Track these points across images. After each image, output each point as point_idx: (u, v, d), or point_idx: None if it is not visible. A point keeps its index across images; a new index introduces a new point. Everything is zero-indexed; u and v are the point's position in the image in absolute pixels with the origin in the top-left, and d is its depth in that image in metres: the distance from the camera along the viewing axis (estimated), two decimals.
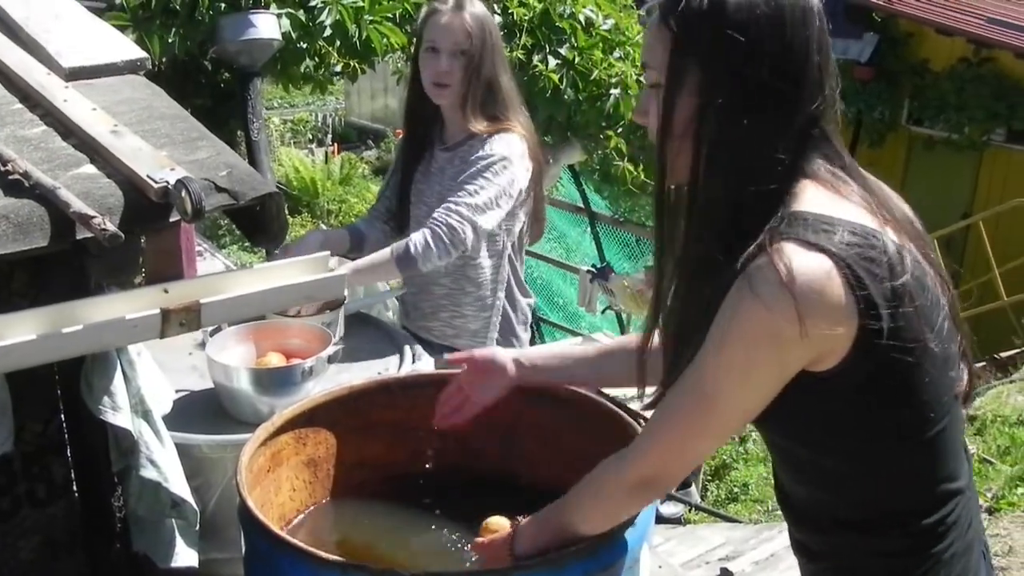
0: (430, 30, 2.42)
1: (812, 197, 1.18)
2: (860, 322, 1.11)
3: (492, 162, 2.40)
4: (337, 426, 1.74)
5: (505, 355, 1.66)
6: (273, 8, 3.88)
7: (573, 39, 4.71)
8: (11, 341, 1.24)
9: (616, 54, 4.92)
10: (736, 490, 5.18)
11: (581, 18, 4.76)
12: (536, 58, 4.59)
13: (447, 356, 1.79)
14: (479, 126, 2.45)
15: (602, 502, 1.33)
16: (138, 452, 1.62)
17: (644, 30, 1.26)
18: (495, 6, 4.39)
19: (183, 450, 1.75)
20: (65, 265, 1.47)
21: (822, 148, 1.21)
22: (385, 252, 2.37)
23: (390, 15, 4.19)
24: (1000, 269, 7.23)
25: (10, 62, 1.62)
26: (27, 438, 1.58)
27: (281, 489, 1.66)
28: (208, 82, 4.70)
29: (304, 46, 4.07)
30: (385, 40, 4.14)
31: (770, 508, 4.85)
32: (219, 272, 1.64)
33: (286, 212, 1.64)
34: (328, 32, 4.00)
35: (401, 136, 2.79)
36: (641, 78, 4.96)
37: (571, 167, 6.15)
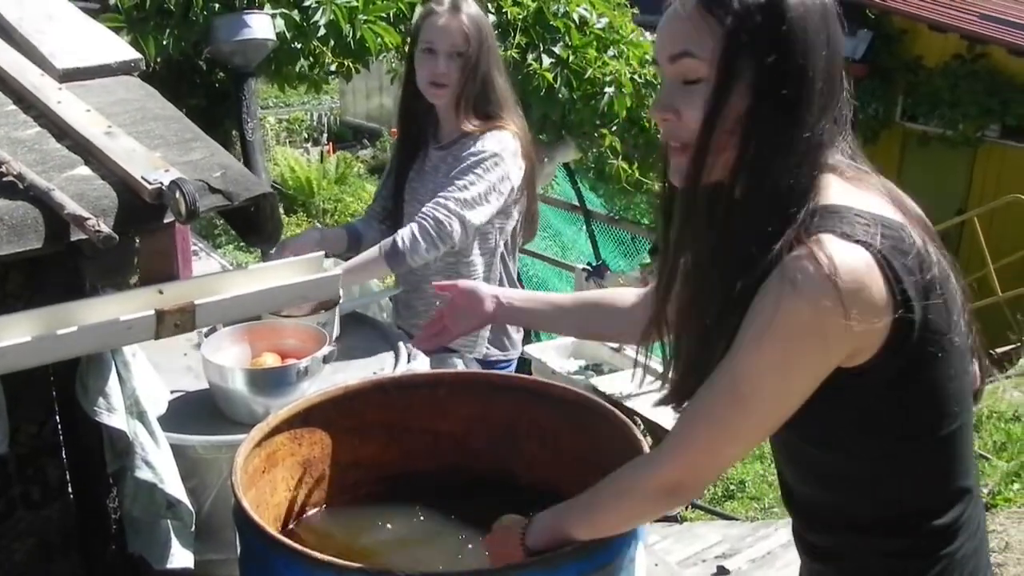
0: (427, 31, 2.42)
1: (838, 190, 1.16)
2: (896, 316, 1.09)
3: (483, 158, 2.41)
4: (332, 426, 1.74)
5: (487, 290, 1.68)
6: (267, 8, 3.88)
7: (567, 38, 4.71)
8: (6, 343, 1.24)
9: (610, 52, 4.93)
10: (732, 487, 5.17)
11: (575, 17, 4.77)
12: (530, 57, 4.60)
13: (435, 283, 1.80)
14: (472, 125, 2.45)
15: (624, 504, 1.30)
16: (133, 453, 1.62)
17: (669, 17, 1.18)
18: (489, 5, 4.39)
19: (178, 451, 1.75)
20: (60, 267, 1.47)
21: (840, 141, 1.20)
22: (374, 249, 2.38)
23: (384, 15, 4.19)
24: (995, 265, 7.23)
25: (3, 63, 1.62)
26: (22, 440, 1.58)
27: (276, 490, 1.66)
28: (203, 82, 4.71)
29: (298, 46, 4.07)
30: (379, 40, 4.14)
31: (767, 506, 4.85)
32: (213, 273, 1.64)
33: (280, 212, 1.64)
34: (322, 32, 4.00)
35: (396, 136, 2.79)
36: (635, 75, 4.98)
37: (566, 165, 6.15)
